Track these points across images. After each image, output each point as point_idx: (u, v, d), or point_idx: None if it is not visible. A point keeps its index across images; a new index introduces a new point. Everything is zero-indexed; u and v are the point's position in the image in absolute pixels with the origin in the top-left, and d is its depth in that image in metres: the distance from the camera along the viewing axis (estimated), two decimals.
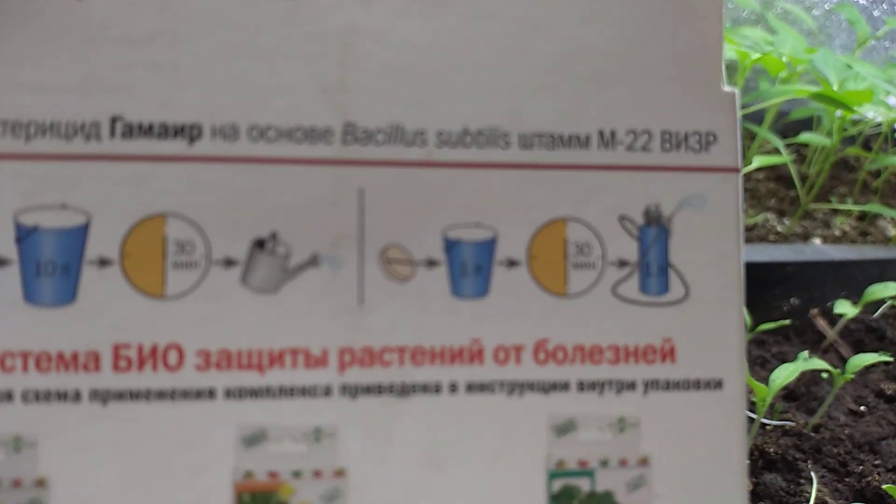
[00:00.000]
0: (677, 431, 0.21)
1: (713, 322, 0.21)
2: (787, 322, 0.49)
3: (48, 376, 0.19)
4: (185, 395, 0.19)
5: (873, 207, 0.62)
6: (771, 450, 0.39)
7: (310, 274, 0.20)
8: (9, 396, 0.19)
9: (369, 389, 0.20)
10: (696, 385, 0.21)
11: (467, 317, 0.20)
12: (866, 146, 0.72)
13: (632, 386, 0.21)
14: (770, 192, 0.67)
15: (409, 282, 0.20)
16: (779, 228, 0.62)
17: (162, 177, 0.19)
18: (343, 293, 0.20)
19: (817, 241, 0.61)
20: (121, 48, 0.19)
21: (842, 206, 0.65)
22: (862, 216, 0.66)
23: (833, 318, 0.52)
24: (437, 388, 0.20)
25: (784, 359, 0.47)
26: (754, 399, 0.37)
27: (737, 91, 0.21)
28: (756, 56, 0.56)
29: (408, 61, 0.20)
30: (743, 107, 0.62)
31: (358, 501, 0.20)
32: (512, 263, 0.21)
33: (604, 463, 0.21)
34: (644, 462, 0.21)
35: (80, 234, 0.19)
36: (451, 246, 0.20)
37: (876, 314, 0.54)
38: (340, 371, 0.20)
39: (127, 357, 0.19)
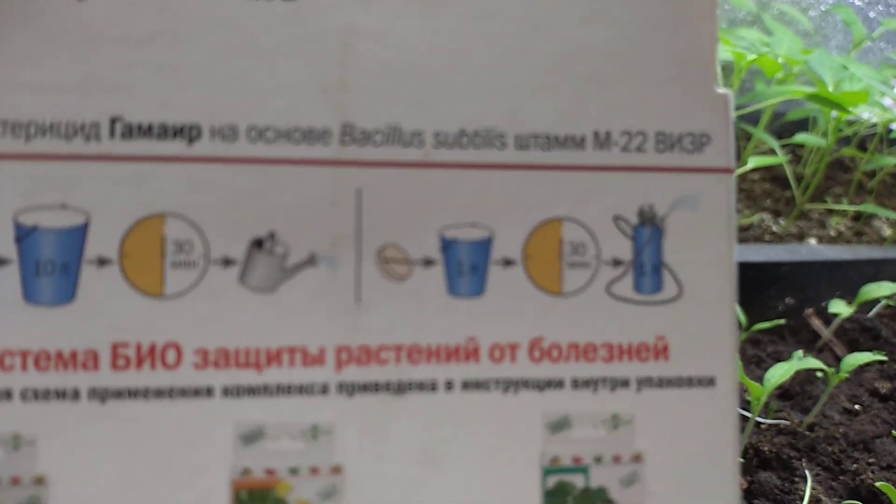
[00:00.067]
0: (671, 428, 0.21)
1: (706, 320, 0.21)
2: (782, 321, 0.50)
3: (47, 375, 0.19)
4: (184, 393, 0.19)
5: (868, 208, 0.62)
6: (766, 448, 0.39)
7: (307, 273, 0.20)
8: (8, 395, 0.19)
9: (366, 387, 0.20)
10: (689, 382, 0.21)
11: (463, 315, 0.20)
12: (862, 147, 0.73)
13: (625, 383, 0.21)
14: (766, 192, 0.68)
15: (406, 281, 0.20)
16: (774, 228, 0.62)
17: (161, 177, 0.20)
18: (340, 292, 0.20)
19: (812, 241, 0.62)
20: (121, 49, 0.19)
21: (837, 207, 0.66)
22: (857, 216, 0.67)
23: (828, 318, 0.52)
24: (433, 386, 0.20)
25: (779, 358, 0.47)
26: (749, 398, 0.38)
27: (730, 93, 0.22)
28: (752, 57, 0.56)
29: (407, 62, 0.20)
30: (739, 107, 0.62)
31: (355, 498, 0.20)
32: (508, 263, 0.21)
33: (598, 459, 0.21)
34: (638, 458, 0.21)
35: (79, 234, 0.19)
36: (447, 245, 0.21)
37: (871, 313, 0.54)
38: (337, 369, 0.20)
39: (125, 356, 0.19)
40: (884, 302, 0.54)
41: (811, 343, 0.53)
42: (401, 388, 0.20)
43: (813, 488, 0.36)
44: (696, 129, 0.21)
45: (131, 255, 0.19)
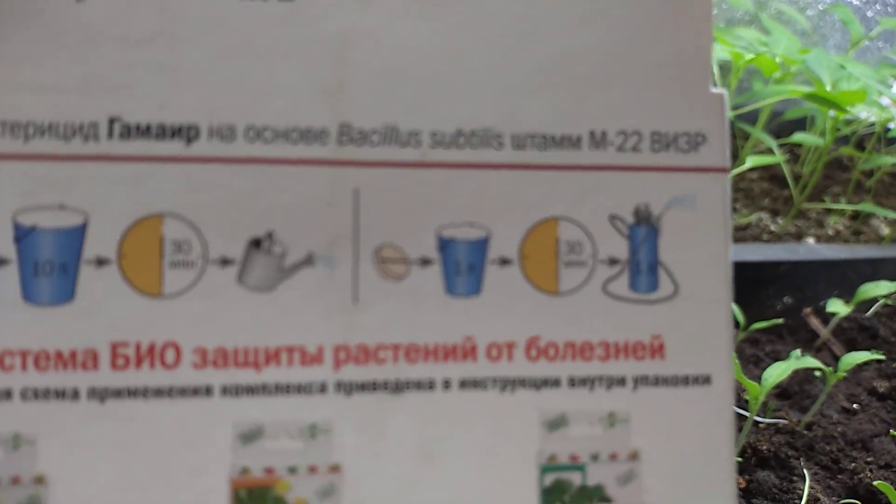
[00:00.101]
0: (667, 426, 0.21)
1: (702, 319, 0.21)
2: (780, 321, 0.50)
3: (47, 375, 0.19)
4: (183, 392, 0.20)
5: (866, 207, 0.62)
6: (764, 447, 0.39)
7: (305, 273, 0.20)
8: (8, 395, 0.19)
9: (364, 386, 0.20)
10: (685, 381, 0.21)
11: (460, 315, 0.21)
12: (860, 146, 0.73)
13: (622, 382, 0.21)
14: (764, 191, 0.68)
15: (404, 280, 0.20)
16: (772, 228, 0.63)
17: (159, 177, 0.20)
18: (338, 292, 0.20)
19: (811, 240, 0.62)
20: (119, 49, 0.20)
21: (835, 206, 0.66)
22: (855, 215, 0.67)
23: (826, 317, 0.52)
24: (430, 385, 0.20)
25: (777, 357, 0.47)
26: (747, 397, 0.38)
27: (725, 92, 0.22)
28: (750, 57, 0.56)
29: (404, 62, 0.20)
30: (737, 107, 0.63)
31: (353, 497, 0.20)
32: (504, 262, 0.21)
33: (595, 457, 0.21)
34: (634, 456, 0.21)
35: (78, 234, 0.19)
36: (444, 245, 0.21)
37: (868, 313, 0.54)
38: (335, 368, 0.20)
39: (125, 355, 0.19)
40: (882, 301, 0.54)
41: (809, 342, 0.53)
42: (398, 387, 0.20)
43: (811, 487, 0.37)
44: (691, 128, 0.21)
45: (130, 255, 0.19)
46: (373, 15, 0.20)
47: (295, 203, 0.20)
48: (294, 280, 0.20)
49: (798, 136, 0.64)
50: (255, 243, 0.20)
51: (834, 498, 0.37)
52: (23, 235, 0.19)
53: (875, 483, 0.34)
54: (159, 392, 0.19)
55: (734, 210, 0.65)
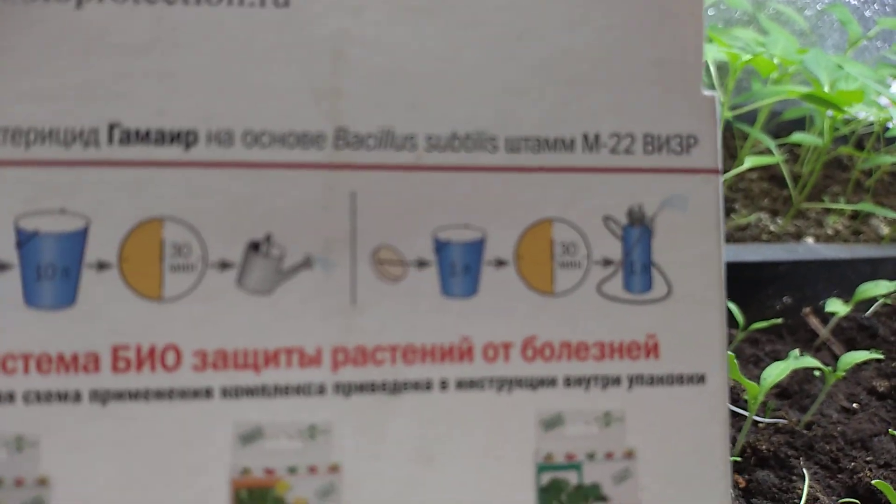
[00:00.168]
0: (662, 425, 0.21)
1: (695, 319, 0.21)
2: (779, 321, 0.50)
3: (49, 377, 0.19)
4: (183, 394, 0.20)
5: (866, 206, 0.62)
6: (763, 447, 0.39)
7: (303, 275, 0.20)
8: (10, 397, 0.19)
9: (362, 387, 0.20)
10: (680, 380, 0.21)
11: (457, 316, 0.21)
12: (859, 146, 0.73)
13: (617, 381, 0.21)
14: (763, 191, 0.68)
15: (401, 282, 0.21)
16: (772, 228, 0.63)
17: (159, 182, 0.20)
18: (336, 294, 0.20)
19: (810, 240, 0.62)
20: (118, 56, 0.20)
21: (834, 206, 0.66)
22: (854, 215, 0.67)
23: (825, 317, 0.52)
24: (428, 386, 0.21)
25: (777, 357, 0.47)
26: (747, 397, 0.38)
27: (717, 95, 0.22)
28: (747, 57, 0.56)
29: (398, 67, 0.21)
30: (735, 107, 0.63)
31: (352, 497, 0.20)
32: (500, 263, 0.21)
33: (590, 456, 0.21)
34: (630, 455, 0.21)
35: (79, 239, 0.20)
36: (440, 247, 0.21)
37: (868, 312, 0.54)
38: (334, 370, 0.20)
39: (126, 358, 0.20)
40: (881, 300, 0.54)
41: (809, 342, 0.53)
42: (396, 388, 0.21)
43: (811, 487, 0.37)
44: (683, 130, 0.22)
45: (130, 258, 0.20)
46: (367, 20, 0.21)
47: (293, 206, 0.20)
48: (292, 282, 0.20)
49: (797, 136, 0.64)
50: (254, 246, 0.20)
51: (833, 497, 0.37)
52: (25, 240, 0.19)
53: (874, 482, 0.35)
54: (160, 394, 0.20)
55: (733, 210, 0.65)
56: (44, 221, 0.19)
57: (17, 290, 0.19)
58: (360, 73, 0.21)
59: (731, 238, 0.60)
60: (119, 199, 0.20)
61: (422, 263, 0.21)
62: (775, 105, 0.67)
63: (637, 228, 0.21)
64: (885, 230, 0.67)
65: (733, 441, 0.39)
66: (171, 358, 0.20)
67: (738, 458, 0.38)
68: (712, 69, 0.62)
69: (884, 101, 0.64)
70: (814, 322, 0.53)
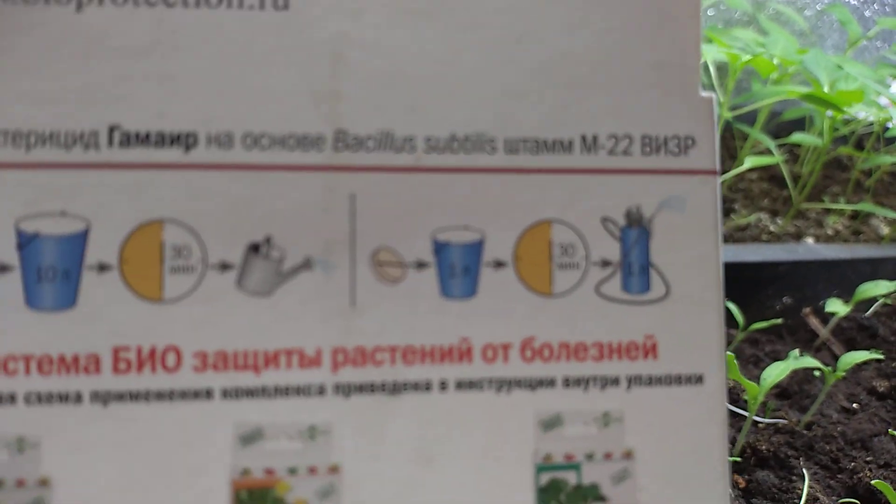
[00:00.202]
0: (660, 425, 0.21)
1: (693, 319, 0.22)
2: (779, 321, 0.50)
3: (50, 379, 0.19)
4: (184, 395, 0.20)
5: (866, 206, 0.62)
6: (763, 447, 0.39)
7: (303, 277, 0.20)
8: (12, 398, 0.19)
9: (362, 388, 0.20)
10: (678, 380, 0.21)
11: (456, 317, 0.21)
12: (859, 146, 0.73)
13: (615, 382, 0.21)
14: (763, 191, 0.68)
15: (400, 283, 0.21)
16: (772, 228, 0.63)
17: (159, 184, 0.20)
18: (336, 295, 0.21)
19: (810, 240, 0.62)
20: (118, 59, 0.20)
21: (834, 206, 0.66)
22: (854, 215, 0.67)
23: (825, 317, 0.52)
24: (427, 387, 0.21)
25: (777, 357, 0.47)
26: (747, 397, 0.38)
27: (714, 96, 0.22)
28: (747, 58, 0.56)
29: (397, 70, 0.21)
30: (735, 108, 0.63)
31: (352, 497, 0.20)
32: (499, 264, 0.21)
33: (589, 456, 0.21)
34: (628, 455, 0.21)
35: (79, 241, 0.20)
36: (439, 248, 0.21)
37: (868, 312, 0.54)
38: (334, 371, 0.20)
39: (126, 359, 0.20)
40: (881, 300, 0.54)
41: (809, 342, 0.53)
42: (396, 389, 0.21)
43: (811, 487, 0.37)
44: (681, 132, 0.22)
45: (131, 260, 0.20)
46: (366, 23, 0.21)
47: (292, 208, 0.20)
48: (292, 284, 0.20)
49: (796, 137, 0.64)
50: (254, 248, 0.20)
51: (833, 497, 0.37)
52: (25, 242, 0.20)
53: (874, 482, 0.35)
54: (161, 395, 0.20)
55: (733, 210, 0.65)
56: (44, 223, 0.20)
57: (18, 291, 0.19)
58: (360, 76, 0.21)
59: (731, 238, 0.60)
60: (119, 201, 0.20)
61: (421, 265, 0.21)
62: (775, 105, 0.67)
63: (635, 229, 0.21)
64: (884, 230, 0.67)
65: (733, 441, 0.39)
66: (171, 359, 0.20)
67: (738, 459, 0.38)
68: (712, 70, 0.62)
69: (883, 101, 0.64)
70: (814, 322, 0.53)
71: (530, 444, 0.21)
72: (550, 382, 0.21)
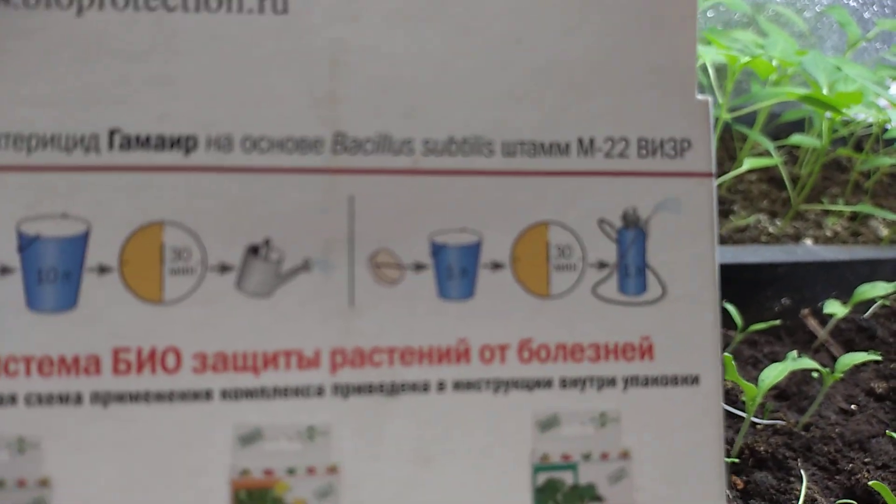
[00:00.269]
0: (656, 425, 0.21)
1: (689, 320, 0.22)
2: (778, 322, 0.50)
3: (50, 380, 0.19)
4: (183, 396, 0.20)
5: (864, 208, 0.62)
6: (761, 448, 0.39)
7: (302, 278, 0.21)
8: (13, 399, 0.19)
9: (360, 389, 0.21)
10: (674, 381, 0.22)
11: (454, 318, 0.21)
12: (858, 147, 0.73)
13: (612, 382, 0.21)
14: (762, 193, 0.68)
15: (398, 285, 0.21)
16: (771, 229, 0.63)
17: (159, 186, 0.20)
18: (334, 296, 0.21)
19: (809, 241, 0.62)
20: (119, 62, 0.20)
21: (833, 207, 0.66)
22: (853, 216, 0.67)
23: (824, 318, 0.53)
24: (425, 387, 0.21)
25: (775, 359, 0.47)
26: (745, 398, 0.38)
27: (710, 99, 0.22)
28: (746, 59, 0.56)
29: (395, 73, 0.21)
30: (734, 109, 0.63)
31: (350, 497, 0.20)
32: (496, 266, 0.21)
33: (586, 456, 0.21)
34: (625, 455, 0.21)
35: (80, 243, 0.20)
36: (437, 250, 0.21)
37: (867, 314, 0.54)
38: (332, 372, 0.21)
39: (126, 360, 0.20)
40: (880, 302, 0.54)
41: (808, 343, 0.53)
42: (394, 390, 0.21)
43: (808, 488, 0.37)
44: (677, 134, 0.22)
45: (131, 262, 0.20)
46: (364, 27, 0.21)
47: (291, 210, 0.21)
48: (291, 285, 0.21)
49: (795, 138, 0.64)
50: (253, 250, 0.20)
51: (831, 499, 0.37)
52: (26, 244, 0.20)
53: (871, 483, 0.35)
54: (160, 396, 0.20)
55: (732, 212, 0.65)
56: (45, 226, 0.20)
57: (19, 293, 0.20)
58: (358, 79, 0.21)
59: (730, 239, 0.60)
60: (119, 203, 0.20)
61: (419, 266, 0.21)
62: (774, 107, 0.67)
63: (631, 231, 0.22)
64: (883, 231, 0.67)
65: (732, 442, 0.39)
66: (171, 360, 0.20)
67: (737, 460, 0.38)
68: (711, 71, 0.62)
69: (882, 102, 0.64)
70: (812, 323, 0.53)
71: (527, 444, 0.21)
72: (547, 383, 0.21)
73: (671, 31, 0.22)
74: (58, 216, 0.20)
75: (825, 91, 0.56)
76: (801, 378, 0.47)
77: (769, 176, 0.70)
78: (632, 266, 0.22)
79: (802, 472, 0.38)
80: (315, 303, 0.21)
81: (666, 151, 0.22)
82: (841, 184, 0.72)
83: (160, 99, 0.20)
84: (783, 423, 0.42)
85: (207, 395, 0.20)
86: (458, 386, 0.21)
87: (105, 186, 0.20)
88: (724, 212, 0.64)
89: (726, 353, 0.35)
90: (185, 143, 0.20)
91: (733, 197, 0.67)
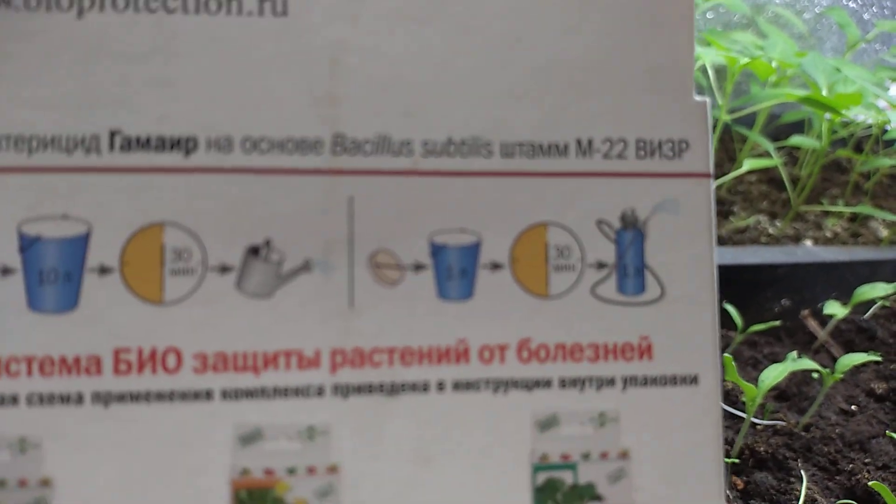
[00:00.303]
0: (655, 425, 0.21)
1: (688, 320, 0.22)
2: (778, 323, 0.50)
3: (52, 380, 0.20)
4: (184, 396, 0.20)
5: (864, 209, 0.62)
6: (761, 449, 0.39)
7: (302, 279, 0.21)
8: (14, 400, 0.19)
9: (360, 389, 0.21)
10: (673, 381, 0.22)
11: (453, 318, 0.21)
12: (858, 148, 0.73)
13: (611, 382, 0.22)
14: (762, 194, 0.68)
15: (398, 285, 0.21)
16: (770, 230, 0.63)
17: (159, 187, 0.20)
18: (334, 297, 0.21)
19: (809, 242, 0.62)
20: (119, 64, 0.20)
21: (833, 208, 0.66)
22: (853, 217, 0.67)
23: (824, 319, 0.53)
24: (425, 387, 0.21)
25: (775, 359, 0.47)
26: (745, 399, 0.38)
27: (708, 100, 0.22)
28: (745, 61, 0.56)
29: (394, 74, 0.21)
30: (734, 110, 0.63)
31: (350, 497, 0.20)
32: (495, 266, 0.21)
33: (585, 456, 0.21)
34: (624, 455, 0.21)
35: (81, 244, 0.20)
36: (437, 251, 0.21)
37: (866, 315, 0.54)
38: (332, 372, 0.21)
39: (127, 361, 0.20)
40: (879, 303, 0.54)
41: (808, 344, 0.53)
42: (394, 390, 0.21)
43: (809, 488, 0.37)
44: (675, 135, 0.22)
45: (132, 263, 0.20)
46: (364, 28, 0.21)
47: (291, 211, 0.21)
48: (291, 286, 0.21)
49: (795, 139, 0.64)
50: (253, 251, 0.21)
51: (831, 499, 0.37)
52: (28, 245, 0.20)
53: (871, 484, 0.35)
54: (161, 396, 0.20)
55: (732, 213, 0.65)
56: (46, 226, 0.20)
57: (21, 294, 0.20)
58: (358, 80, 0.21)
59: (730, 240, 0.60)
60: (120, 204, 0.20)
61: (418, 267, 0.21)
62: (774, 108, 0.67)
63: (630, 232, 0.22)
64: (883, 232, 0.67)
65: (732, 443, 0.39)
66: (171, 360, 0.20)
67: (737, 460, 0.38)
68: (711, 72, 0.62)
69: (882, 103, 0.64)
70: (812, 324, 0.53)
71: (527, 443, 0.21)
72: (547, 383, 0.21)
73: (669, 32, 0.22)
74: (59, 217, 0.20)
75: (825, 92, 0.56)
76: (801, 379, 0.47)
77: (769, 177, 0.70)
78: (630, 266, 0.22)
79: (802, 472, 0.38)
80: (315, 303, 0.21)
81: (664, 152, 0.22)
82: (841, 185, 0.72)
83: (160, 100, 0.20)
84: (783, 423, 0.42)
85: (208, 395, 0.20)
86: (457, 386, 0.21)
87: (106, 187, 0.20)
88: (724, 213, 0.64)
89: (726, 354, 0.35)
90: (185, 145, 0.20)
91: (733, 198, 0.67)
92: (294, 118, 0.21)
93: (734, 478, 0.38)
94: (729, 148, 0.73)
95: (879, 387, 0.47)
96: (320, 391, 0.21)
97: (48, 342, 0.20)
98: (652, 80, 0.22)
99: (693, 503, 0.21)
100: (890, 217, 0.63)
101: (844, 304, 0.49)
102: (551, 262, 0.22)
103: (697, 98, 0.22)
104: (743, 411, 0.40)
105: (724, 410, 0.42)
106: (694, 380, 0.22)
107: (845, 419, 0.44)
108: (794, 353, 0.40)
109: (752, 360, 0.49)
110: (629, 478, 0.21)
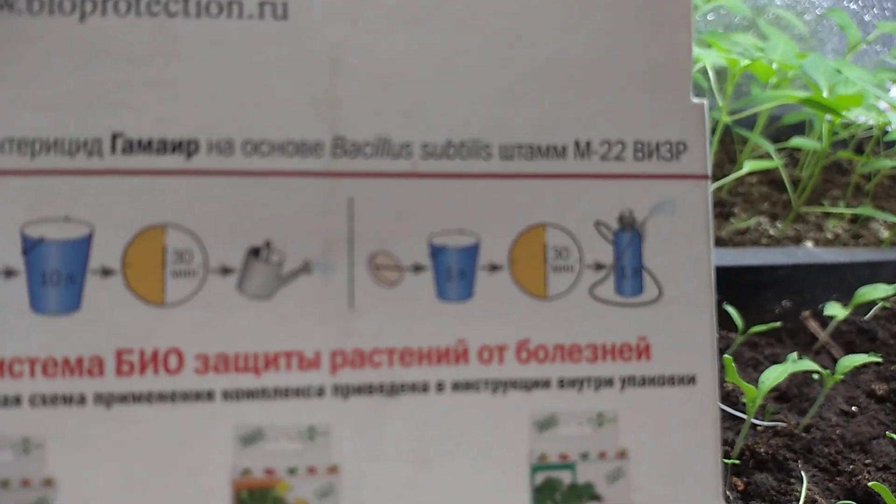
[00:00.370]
0: (654, 425, 0.22)
1: (686, 321, 0.22)
2: (779, 324, 0.50)
3: (54, 381, 0.20)
4: (185, 397, 0.20)
5: (865, 210, 0.62)
6: (762, 450, 0.39)
7: (302, 280, 0.21)
8: (17, 401, 0.20)
9: (360, 389, 0.21)
10: (671, 381, 0.22)
11: (453, 319, 0.21)
12: (858, 149, 0.73)
13: (609, 382, 0.22)
14: (763, 195, 0.68)
15: (397, 286, 0.21)
16: (771, 232, 0.63)
17: (161, 190, 0.20)
18: (334, 298, 0.21)
19: (809, 243, 0.62)
20: (121, 67, 0.20)
21: (834, 209, 0.66)
22: (854, 219, 0.67)
23: (825, 320, 0.53)
24: (424, 388, 0.21)
25: (776, 360, 0.47)
26: (746, 400, 0.38)
27: (705, 102, 0.22)
28: (746, 62, 0.57)
29: (395, 76, 0.21)
30: (734, 112, 0.63)
31: (350, 497, 0.20)
32: (494, 268, 0.22)
33: (584, 456, 0.21)
34: (622, 455, 0.22)
35: (83, 245, 0.20)
36: (436, 252, 0.21)
37: (867, 316, 0.54)
38: (332, 372, 0.21)
39: (129, 362, 0.20)
40: (880, 304, 0.54)
41: (808, 345, 0.53)
42: (394, 390, 0.21)
43: (809, 489, 0.37)
44: (672, 137, 0.22)
45: (134, 264, 0.20)
46: (363, 30, 0.21)
47: (292, 213, 0.21)
48: (292, 287, 0.21)
49: (796, 141, 0.64)
50: (254, 252, 0.21)
51: (832, 500, 0.37)
52: (30, 247, 0.20)
53: (872, 485, 0.35)
54: (163, 397, 0.20)
55: (733, 214, 0.65)
56: (49, 229, 0.20)
57: (24, 295, 0.20)
58: (357, 83, 0.21)
59: (731, 242, 0.61)
60: (122, 206, 0.20)
61: (418, 268, 0.21)
62: (774, 109, 0.67)
63: (628, 233, 0.22)
64: (884, 234, 0.67)
65: (732, 444, 0.39)
66: (173, 361, 0.20)
67: (737, 461, 0.38)
68: (711, 74, 0.62)
69: (883, 105, 0.64)
70: (813, 325, 0.53)
71: (526, 444, 0.21)
72: (545, 383, 0.21)
73: (667, 34, 0.22)
74: (61, 219, 0.20)
75: (825, 94, 0.56)
76: (801, 380, 0.47)
77: (770, 178, 0.70)
78: (628, 267, 0.22)
79: (803, 473, 0.38)
80: (315, 304, 0.21)
81: (662, 154, 0.22)
82: (841, 186, 0.72)
83: (162, 103, 0.20)
84: (784, 424, 0.42)
85: (209, 395, 0.20)
86: (456, 386, 0.21)
87: (107, 190, 0.20)
88: (725, 214, 0.64)
89: (727, 355, 0.35)
90: (186, 147, 0.21)
91: (734, 199, 0.67)
92: (294, 120, 0.21)
93: (734, 479, 0.38)
94: (730, 149, 0.73)
95: (880, 388, 0.47)
96: (321, 392, 0.21)
97: (51, 343, 0.20)
98: (651, 80, 0.22)
99: (691, 503, 0.21)
100: (891, 218, 0.63)
101: (845, 305, 0.49)
102: (550, 263, 0.22)
103: (695, 100, 0.22)
104: (743, 412, 0.40)
105: (725, 411, 0.42)
106: (692, 380, 0.22)
107: (846, 420, 0.44)
108: (795, 355, 0.40)
109: (752, 361, 0.49)
110: (627, 478, 0.21)
